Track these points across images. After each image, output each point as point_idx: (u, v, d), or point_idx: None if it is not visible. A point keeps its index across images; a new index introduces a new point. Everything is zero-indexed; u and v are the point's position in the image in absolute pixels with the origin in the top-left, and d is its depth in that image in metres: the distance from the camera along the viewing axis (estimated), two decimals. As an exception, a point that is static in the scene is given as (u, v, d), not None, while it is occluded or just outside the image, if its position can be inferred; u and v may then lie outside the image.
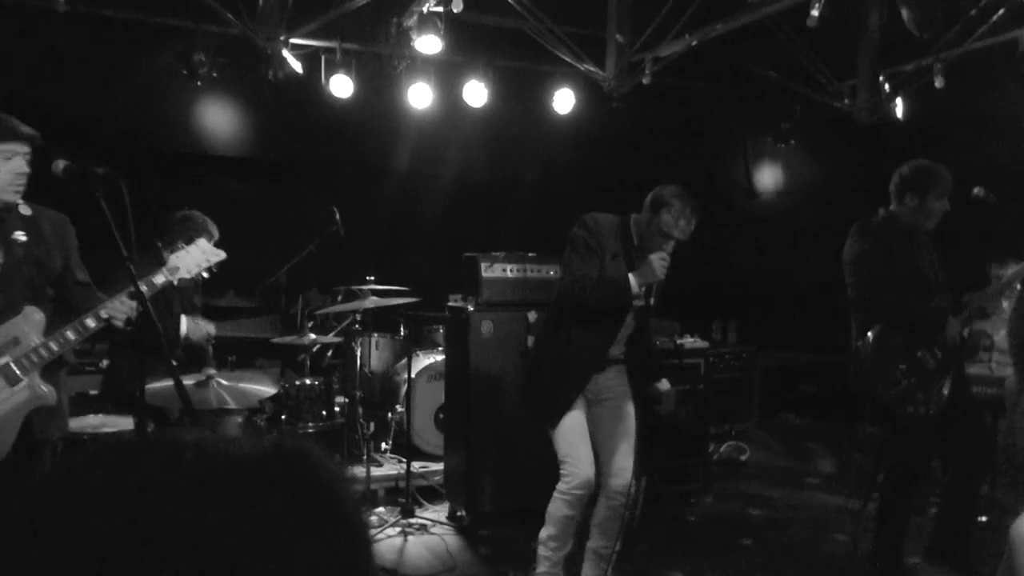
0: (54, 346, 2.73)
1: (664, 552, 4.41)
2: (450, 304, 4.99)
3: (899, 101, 6.70)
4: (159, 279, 2.86)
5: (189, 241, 4.37)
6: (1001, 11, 5.20)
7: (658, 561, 4.27)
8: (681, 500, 5.22)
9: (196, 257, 2.96)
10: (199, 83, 6.05)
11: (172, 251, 3.29)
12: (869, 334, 3.88)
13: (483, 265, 4.74)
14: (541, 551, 3.58)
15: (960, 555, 4.01)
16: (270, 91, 6.15)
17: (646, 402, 3.84)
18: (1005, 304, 4.52)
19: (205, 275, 3.03)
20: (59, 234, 2.91)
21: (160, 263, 3.00)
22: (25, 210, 2.82)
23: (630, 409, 3.69)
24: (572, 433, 3.50)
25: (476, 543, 4.51)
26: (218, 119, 6.61)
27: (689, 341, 5.36)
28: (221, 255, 3.02)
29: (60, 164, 2.66)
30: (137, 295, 2.48)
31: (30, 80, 5.63)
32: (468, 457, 4.61)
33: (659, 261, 3.41)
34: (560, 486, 3.49)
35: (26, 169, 2.73)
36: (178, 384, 2.33)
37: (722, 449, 6.15)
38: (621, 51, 6.07)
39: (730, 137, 8.32)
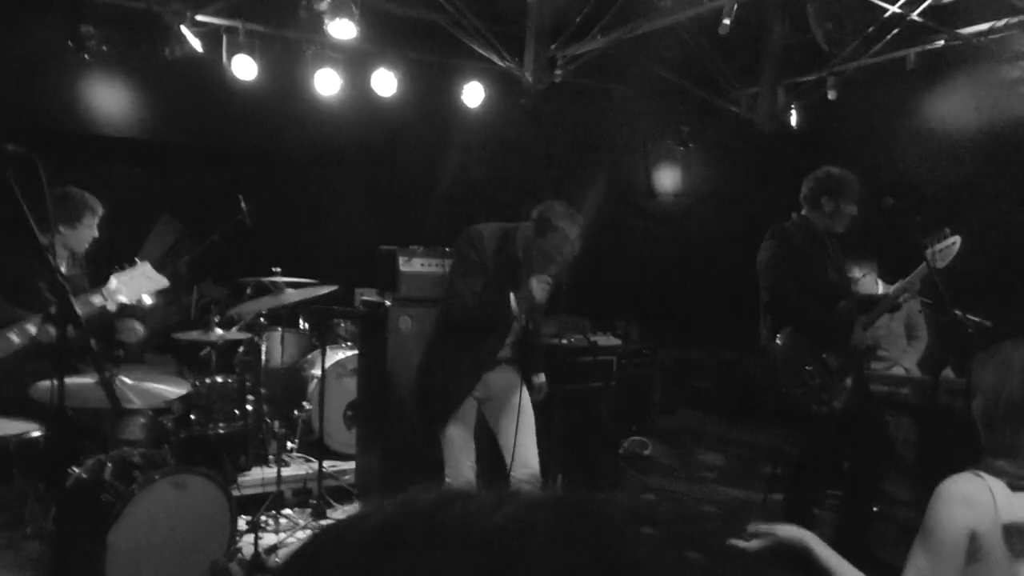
0: None
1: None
2: (364, 298, 4.85)
3: (794, 111, 7.03)
4: (96, 300, 2.64)
5: (70, 221, 4.06)
6: (895, 30, 5.50)
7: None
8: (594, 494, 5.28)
9: (138, 283, 2.75)
10: (87, 57, 5.63)
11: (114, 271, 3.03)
12: (780, 335, 4.03)
13: (401, 259, 4.63)
14: None
15: (860, 544, 4.23)
16: (166, 70, 5.79)
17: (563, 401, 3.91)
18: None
19: (148, 301, 2.81)
20: None
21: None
22: None
23: (525, 402, 3.71)
24: (454, 442, 3.58)
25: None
26: (109, 98, 6.16)
27: (602, 339, 5.42)
28: (164, 282, 2.82)
29: None
30: (60, 291, 2.25)
31: None
32: (385, 456, 4.49)
33: (539, 286, 3.45)
34: None
35: None
36: (105, 384, 2.14)
37: (626, 444, 6.26)
38: (539, 48, 6.07)
39: (633, 138, 8.48)
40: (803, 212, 4.14)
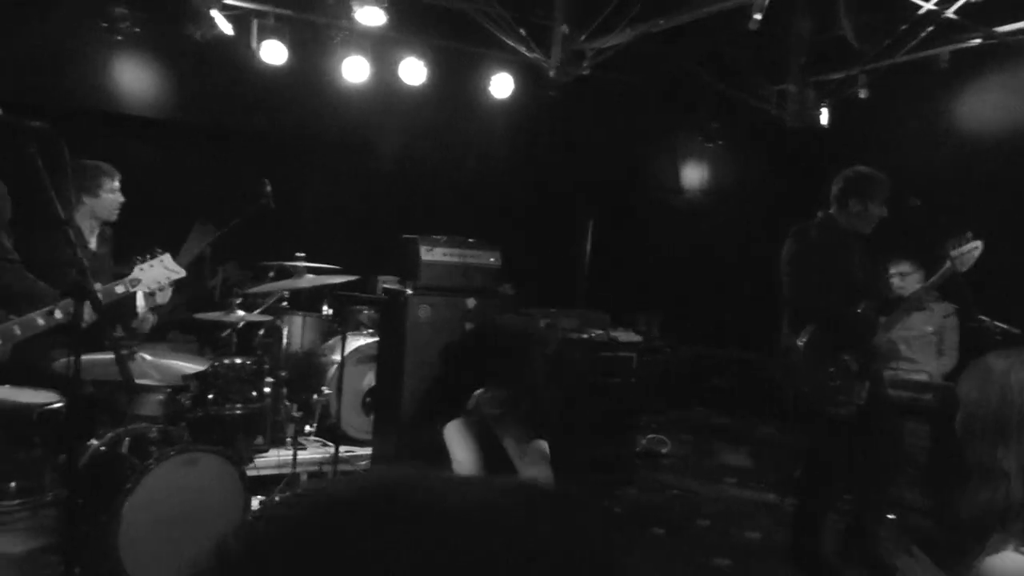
0: None
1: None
2: (385, 286, 4.86)
3: (824, 109, 6.93)
4: (119, 289, 2.68)
5: (91, 191, 4.12)
6: (930, 28, 5.41)
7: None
8: (607, 491, 5.26)
9: (158, 272, 2.81)
10: (118, 37, 5.69)
11: (136, 262, 3.08)
12: (801, 335, 3.98)
13: (423, 248, 4.63)
14: None
15: (871, 551, 4.18)
16: (197, 52, 5.84)
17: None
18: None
19: (168, 289, 2.86)
20: None
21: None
22: None
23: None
24: (452, 439, 3.57)
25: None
26: (137, 77, 6.23)
27: (623, 334, 5.39)
28: (182, 272, 2.87)
29: None
30: (78, 265, 2.27)
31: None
32: (400, 444, 4.51)
33: None
34: None
35: None
36: (120, 360, 2.16)
37: (644, 441, 6.24)
38: (565, 40, 6.04)
39: (661, 133, 8.42)
40: (830, 211, 4.09)
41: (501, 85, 6.72)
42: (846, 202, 3.99)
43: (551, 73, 6.11)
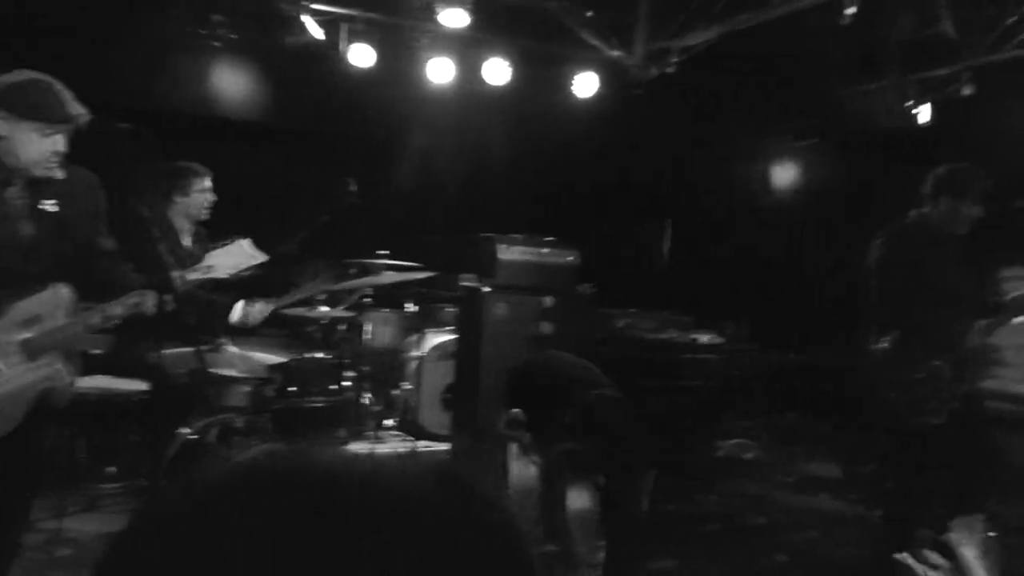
0: (79, 327, 2.65)
1: (669, 548, 4.36)
2: (464, 284, 4.92)
3: (922, 107, 6.63)
4: (193, 276, 2.78)
5: (182, 191, 4.31)
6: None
7: (664, 558, 4.23)
8: (685, 496, 5.17)
9: (235, 258, 2.88)
10: (218, 44, 5.94)
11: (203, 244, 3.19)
12: (887, 339, 3.83)
13: (500, 246, 4.67)
14: None
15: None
16: (287, 57, 6.04)
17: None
18: None
19: (242, 275, 2.94)
20: (90, 198, 2.76)
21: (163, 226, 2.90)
22: (58, 174, 2.64)
23: None
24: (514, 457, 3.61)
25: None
26: (233, 83, 6.50)
27: (704, 336, 5.30)
28: (260, 258, 2.94)
29: (84, 119, 2.56)
30: (160, 263, 2.39)
31: (37, 30, 5.46)
32: (477, 440, 4.56)
33: None
34: None
35: (63, 148, 2.57)
36: (199, 353, 2.27)
37: (726, 446, 6.11)
38: (649, 38, 5.98)
39: (749, 132, 8.23)
40: (922, 210, 3.92)
41: (585, 84, 6.69)
42: (937, 200, 3.81)
43: (634, 71, 6.05)
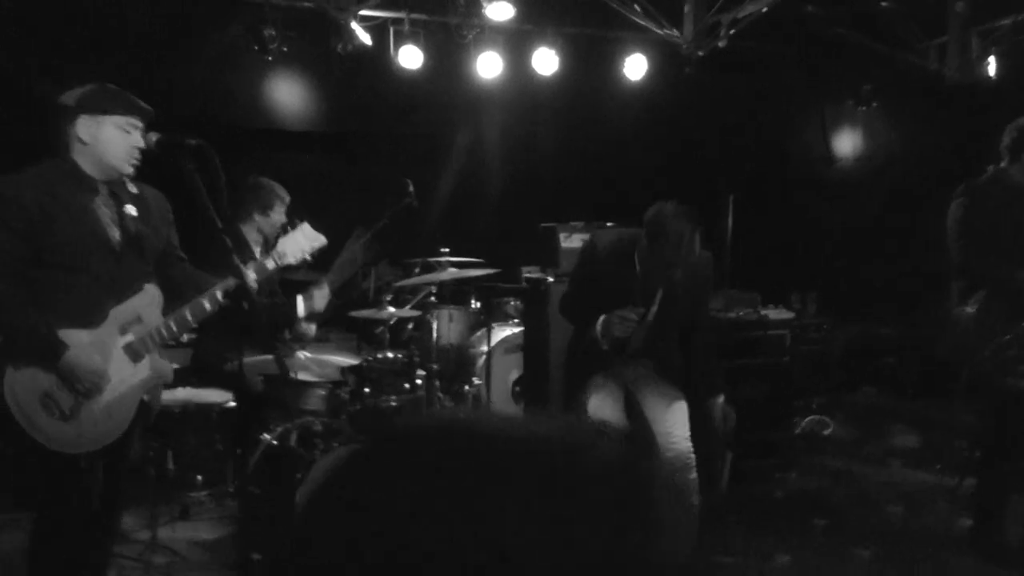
0: (174, 326, 2.76)
1: (751, 528, 4.30)
2: (527, 275, 4.92)
3: (992, 60, 6.36)
4: (269, 264, 2.87)
5: (263, 209, 4.41)
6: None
7: (746, 537, 4.16)
8: (765, 476, 5.09)
9: (300, 242, 2.97)
10: (269, 58, 6.05)
11: (261, 231, 3.27)
12: (971, 301, 3.70)
13: (562, 235, 4.66)
14: None
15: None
16: (339, 64, 6.12)
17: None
18: None
19: (308, 259, 3.02)
20: (161, 211, 2.91)
21: (236, 237, 2.99)
22: (132, 187, 2.82)
23: (666, 384, 3.70)
24: (598, 413, 3.56)
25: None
26: (287, 93, 6.61)
27: (773, 312, 5.20)
28: (323, 240, 3.02)
29: (152, 137, 2.67)
30: (235, 271, 2.46)
31: (96, 55, 5.65)
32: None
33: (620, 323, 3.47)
34: None
35: (142, 143, 2.72)
36: (278, 358, 2.32)
37: (804, 423, 5.98)
38: (699, 13, 5.87)
39: (806, 102, 8.02)
40: (1001, 165, 3.77)
41: (635, 66, 6.61)
42: (1019, 154, 3.65)
43: (685, 48, 5.95)
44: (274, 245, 2.98)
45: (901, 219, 7.13)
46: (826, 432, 6.02)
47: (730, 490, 4.42)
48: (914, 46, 6.56)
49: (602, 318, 3.49)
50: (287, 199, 4.48)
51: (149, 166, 2.77)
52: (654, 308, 3.56)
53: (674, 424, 3.58)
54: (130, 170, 2.75)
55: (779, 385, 5.14)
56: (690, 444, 3.56)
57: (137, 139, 2.70)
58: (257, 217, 4.41)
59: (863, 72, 7.32)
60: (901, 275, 6.97)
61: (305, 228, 3.03)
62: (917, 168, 7.21)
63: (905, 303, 6.93)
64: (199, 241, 3.00)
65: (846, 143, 8.27)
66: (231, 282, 2.75)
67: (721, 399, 3.81)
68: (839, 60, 7.24)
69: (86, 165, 2.69)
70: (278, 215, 4.45)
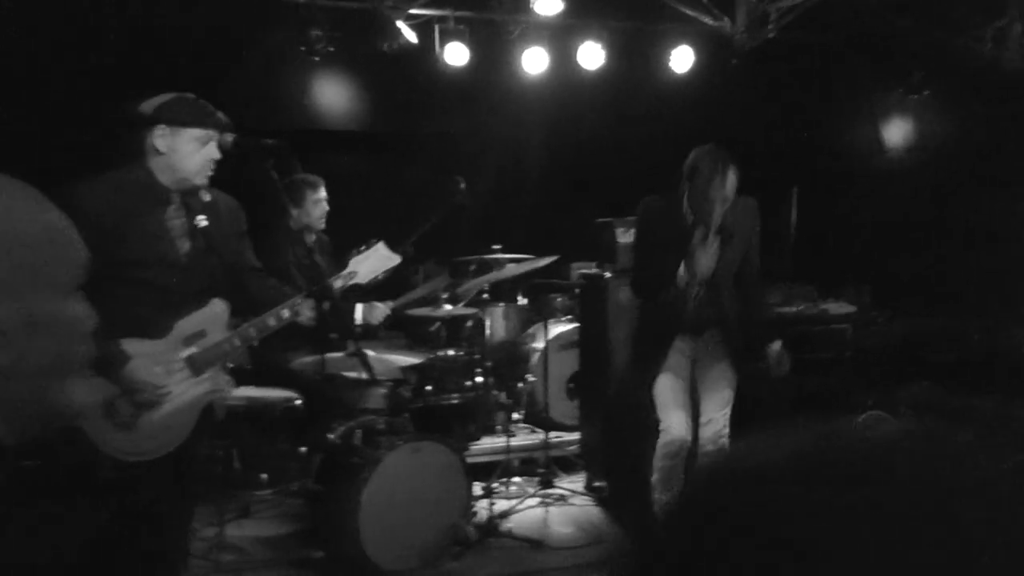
0: (237, 341, 2.76)
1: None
2: (583, 271, 4.88)
3: (1050, 43, 6.18)
4: (338, 283, 2.86)
5: (297, 202, 4.42)
6: None
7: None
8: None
9: (373, 264, 2.95)
10: (317, 59, 6.07)
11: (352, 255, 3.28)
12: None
13: (619, 231, 4.61)
14: (654, 495, 3.60)
15: None
16: (385, 64, 6.12)
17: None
18: None
19: (380, 278, 3.01)
20: (233, 219, 2.90)
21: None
22: (205, 195, 2.81)
23: (723, 366, 3.72)
24: (662, 395, 3.61)
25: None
26: (334, 94, 6.63)
27: (833, 306, 5.10)
28: (396, 260, 3.01)
29: (228, 138, 2.66)
30: (324, 291, 2.45)
31: (146, 60, 5.70)
32: (607, 426, 4.52)
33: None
34: (659, 441, 3.59)
35: (218, 155, 2.72)
36: (360, 355, 2.30)
37: (862, 419, 5.87)
38: (749, 3, 5.78)
39: (855, 91, 7.86)
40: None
41: (681, 58, 6.54)
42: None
43: (738, 39, 5.86)
44: (339, 258, 2.97)
45: (957, 208, 6.97)
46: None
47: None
48: (969, 30, 6.40)
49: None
50: (319, 183, 4.51)
51: (221, 166, 2.77)
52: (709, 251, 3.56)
53: (715, 408, 3.63)
54: (205, 182, 2.75)
55: (840, 380, 5.04)
56: (727, 432, 3.60)
57: (213, 151, 2.70)
58: (293, 212, 4.44)
59: (913, 59, 7.16)
60: (960, 266, 6.82)
61: (380, 248, 3.00)
62: (973, 156, 7.04)
63: (964, 296, 6.78)
64: (269, 242, 3.00)
65: (897, 133, 8.10)
66: (300, 301, 2.75)
67: (779, 344, 3.81)
68: (887, 47, 7.09)
69: (160, 174, 2.68)
70: (315, 204, 4.48)
